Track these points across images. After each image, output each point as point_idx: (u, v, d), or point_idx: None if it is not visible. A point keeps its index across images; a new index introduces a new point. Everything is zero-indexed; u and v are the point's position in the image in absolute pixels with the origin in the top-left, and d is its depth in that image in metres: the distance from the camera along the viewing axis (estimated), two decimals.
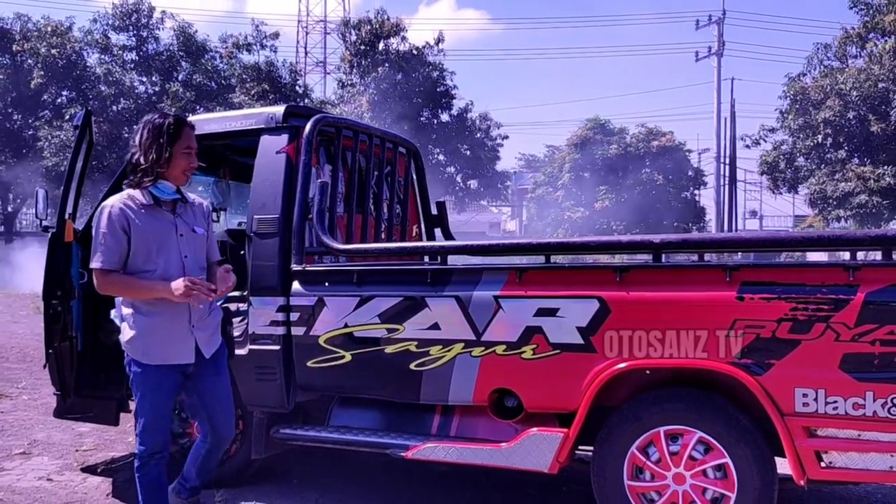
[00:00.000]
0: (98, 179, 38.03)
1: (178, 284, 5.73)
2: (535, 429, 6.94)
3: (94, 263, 5.87)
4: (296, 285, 7.69)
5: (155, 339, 5.96)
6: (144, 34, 50.53)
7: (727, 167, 64.99)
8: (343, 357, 7.54)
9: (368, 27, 55.79)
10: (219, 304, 6.62)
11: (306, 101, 53.19)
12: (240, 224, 9.35)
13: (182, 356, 6.07)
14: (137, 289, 5.90)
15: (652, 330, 6.51)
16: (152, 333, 5.97)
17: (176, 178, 6.03)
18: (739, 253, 10.52)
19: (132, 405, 8.63)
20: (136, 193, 6.00)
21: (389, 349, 7.36)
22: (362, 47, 55.85)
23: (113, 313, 6.22)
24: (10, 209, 54.25)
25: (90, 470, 9.11)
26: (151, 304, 5.96)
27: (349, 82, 56.84)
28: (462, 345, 7.09)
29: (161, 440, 6.18)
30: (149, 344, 5.97)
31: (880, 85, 44.87)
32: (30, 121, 48.85)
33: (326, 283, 7.74)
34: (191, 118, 8.50)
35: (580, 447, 7.06)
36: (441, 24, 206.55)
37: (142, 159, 5.97)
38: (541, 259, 7.21)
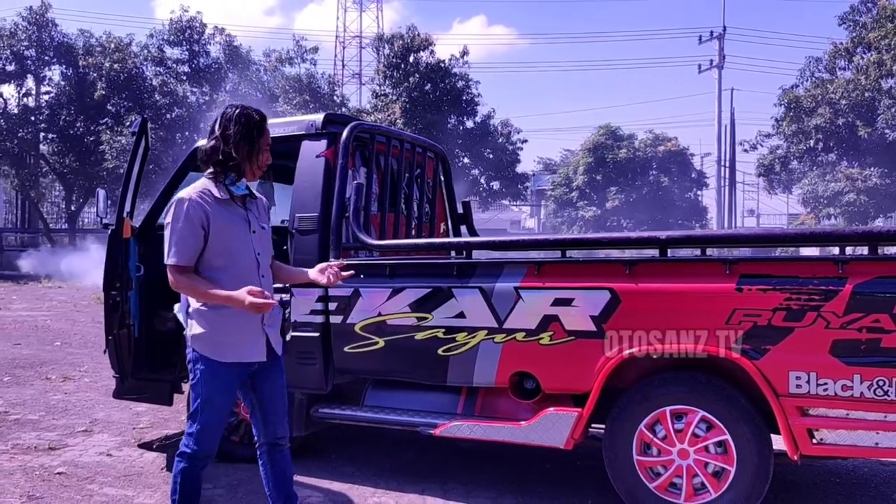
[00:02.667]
0: (154, 181, 38.10)
1: (245, 299, 5.22)
2: (551, 408, 6.98)
3: (170, 259, 5.37)
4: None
5: (228, 337, 5.50)
6: (196, 49, 50.62)
7: (727, 170, 64.83)
8: (377, 343, 7.58)
9: (400, 42, 55.82)
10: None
11: (343, 109, 53.22)
12: (282, 221, 9.35)
13: (255, 354, 5.62)
14: (207, 295, 5.36)
15: (658, 318, 6.55)
16: (225, 330, 5.48)
17: (254, 173, 5.60)
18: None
19: (185, 387, 8.70)
20: (211, 186, 5.51)
21: (419, 336, 7.40)
22: (395, 60, 55.85)
23: (177, 307, 5.84)
24: (73, 208, 54.32)
25: (146, 446, 9.17)
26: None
27: (382, 92, 56.85)
28: (485, 332, 7.13)
29: (215, 445, 5.72)
30: (222, 341, 5.50)
31: (866, 94, 45.25)
32: (92, 127, 48.85)
33: (362, 276, 7.74)
34: None
35: (593, 425, 7.09)
36: (474, 39, 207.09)
37: (234, 153, 5.48)
38: (557, 254, 7.22)
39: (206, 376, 5.56)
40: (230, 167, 5.53)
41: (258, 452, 6.01)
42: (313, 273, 5.90)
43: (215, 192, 5.51)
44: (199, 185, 5.57)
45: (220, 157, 5.52)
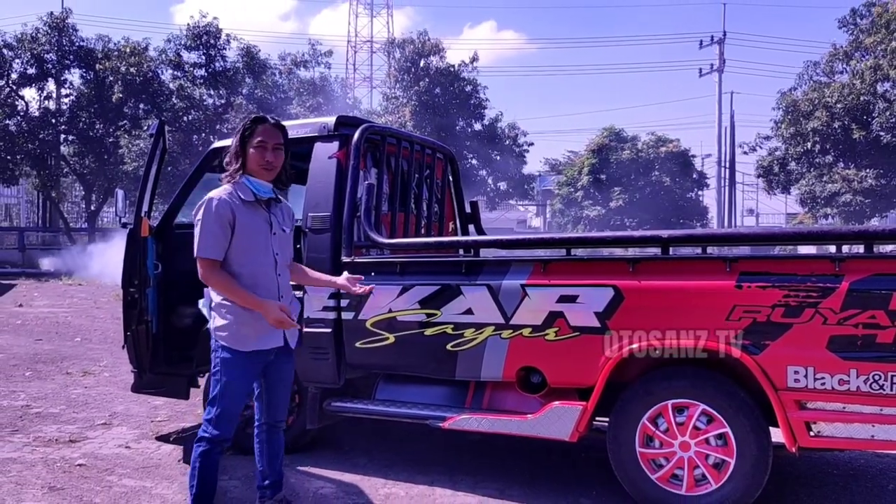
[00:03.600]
0: (171, 182, 38.15)
1: (274, 312, 5.62)
2: (557, 402, 6.99)
3: (200, 252, 5.69)
4: (346, 275, 7.68)
5: (250, 328, 5.79)
6: (213, 53, 50.66)
7: (727, 171, 64.97)
8: (388, 339, 7.59)
9: (411, 47, 55.93)
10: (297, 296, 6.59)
11: (355, 112, 53.22)
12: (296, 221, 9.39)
13: (273, 340, 5.90)
14: (238, 294, 5.69)
15: (660, 315, 6.56)
16: (247, 321, 5.77)
17: (255, 172, 5.83)
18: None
19: (201, 381, 8.74)
20: (238, 188, 5.85)
21: (428, 332, 7.41)
22: (405, 64, 55.94)
23: (201, 302, 6.14)
24: (93, 208, 54.42)
25: (164, 439, 9.18)
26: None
27: (393, 95, 56.99)
28: (493, 328, 7.14)
29: (232, 430, 5.98)
30: (243, 332, 5.79)
31: (862, 98, 45.60)
32: (111, 130, 49.01)
33: (373, 273, 7.74)
34: None
35: (597, 418, 7.10)
36: (484, 44, 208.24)
37: (226, 156, 5.95)
38: (562, 252, 7.26)
39: (228, 364, 5.81)
40: (229, 167, 5.89)
41: (256, 431, 6.36)
42: (341, 280, 6.13)
43: (241, 193, 5.80)
44: (227, 187, 5.85)
45: (227, 160, 5.92)
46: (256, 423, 6.38)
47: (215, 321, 5.91)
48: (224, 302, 5.86)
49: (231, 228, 5.74)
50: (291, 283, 6.27)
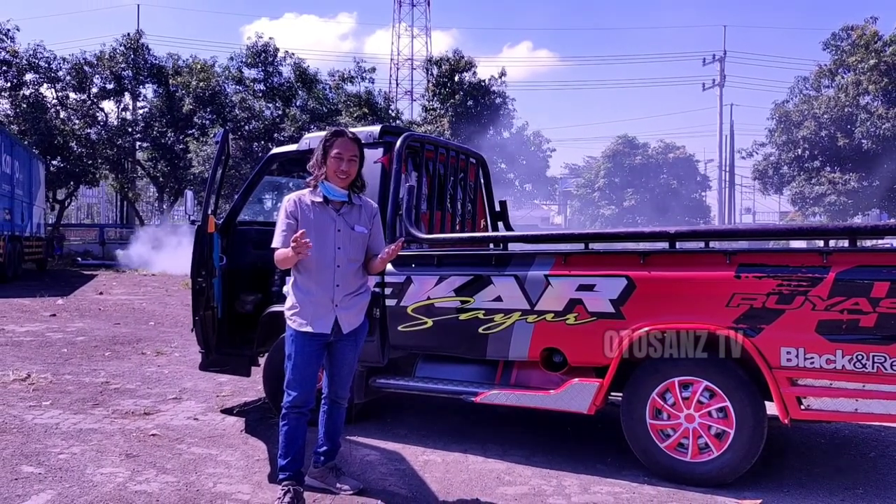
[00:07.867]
0: (234, 184, 38.24)
1: (290, 250, 5.76)
2: (576, 379, 7.02)
3: (273, 244, 6.05)
4: (389, 267, 7.69)
5: (303, 312, 6.07)
6: (270, 70, 50.70)
7: (727, 174, 64.78)
8: (426, 323, 7.64)
9: (447, 64, 55.85)
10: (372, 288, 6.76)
11: (397, 122, 53.16)
12: None
13: (321, 327, 6.05)
14: (284, 257, 5.93)
15: (668, 302, 6.60)
16: (301, 306, 6.07)
17: (330, 178, 6.06)
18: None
19: (261, 360, 8.79)
20: (312, 191, 6.15)
21: (462, 317, 7.45)
22: (442, 80, 55.88)
23: (285, 289, 6.36)
24: (164, 207, 54.60)
25: (228, 411, 9.21)
26: (305, 283, 6.09)
27: (431, 107, 56.86)
28: (519, 313, 7.19)
29: (301, 395, 6.13)
30: (297, 314, 6.08)
31: (846, 109, 45.99)
32: (180, 137, 49.13)
33: (413, 265, 7.84)
34: (307, 136, 8.62)
35: (612, 394, 7.11)
36: (519, 62, 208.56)
37: (312, 167, 6.15)
38: (581, 246, 7.25)
39: (290, 339, 6.14)
40: (313, 174, 6.15)
41: (322, 403, 6.54)
42: (391, 249, 6.21)
43: (313, 196, 6.13)
44: (304, 190, 6.22)
45: (311, 165, 6.18)
46: (323, 396, 6.53)
47: (286, 303, 6.22)
48: (288, 289, 6.27)
49: (296, 222, 6.03)
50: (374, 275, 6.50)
